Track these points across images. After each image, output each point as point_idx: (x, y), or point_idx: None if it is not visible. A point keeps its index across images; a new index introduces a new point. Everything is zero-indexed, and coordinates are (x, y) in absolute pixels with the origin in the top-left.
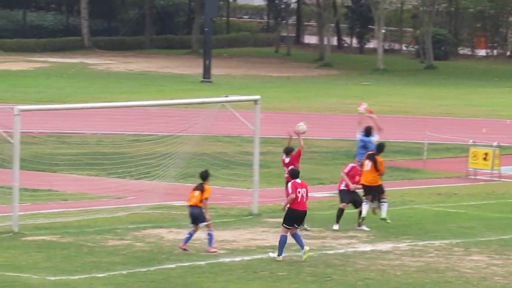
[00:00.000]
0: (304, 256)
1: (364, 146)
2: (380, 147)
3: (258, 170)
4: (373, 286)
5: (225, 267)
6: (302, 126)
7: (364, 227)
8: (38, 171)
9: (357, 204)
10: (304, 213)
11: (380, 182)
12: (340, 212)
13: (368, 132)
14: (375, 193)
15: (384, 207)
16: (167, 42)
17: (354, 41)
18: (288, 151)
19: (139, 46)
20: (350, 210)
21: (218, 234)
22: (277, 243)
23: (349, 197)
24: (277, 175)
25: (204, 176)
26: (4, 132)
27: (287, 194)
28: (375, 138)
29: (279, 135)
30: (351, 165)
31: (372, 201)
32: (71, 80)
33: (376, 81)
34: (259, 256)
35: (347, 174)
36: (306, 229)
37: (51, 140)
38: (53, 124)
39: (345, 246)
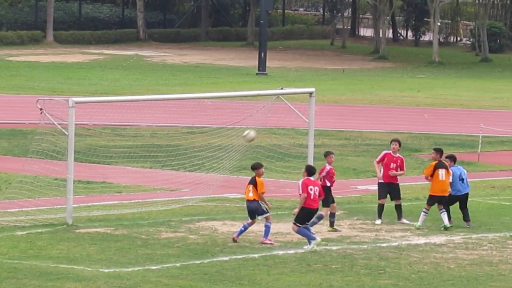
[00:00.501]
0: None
1: None
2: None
3: (313, 163)
4: (426, 279)
5: (279, 260)
6: (250, 134)
7: (404, 220)
8: (93, 163)
9: (392, 196)
10: (316, 211)
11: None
12: (380, 207)
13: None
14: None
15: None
16: (222, 35)
17: (410, 34)
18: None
19: (194, 39)
20: (405, 203)
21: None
22: (331, 236)
23: (386, 190)
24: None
25: (255, 167)
26: (59, 124)
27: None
28: None
29: (334, 127)
30: (384, 152)
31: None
32: (126, 72)
33: (431, 74)
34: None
35: (379, 162)
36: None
37: (106, 132)
38: (108, 116)
39: (399, 239)
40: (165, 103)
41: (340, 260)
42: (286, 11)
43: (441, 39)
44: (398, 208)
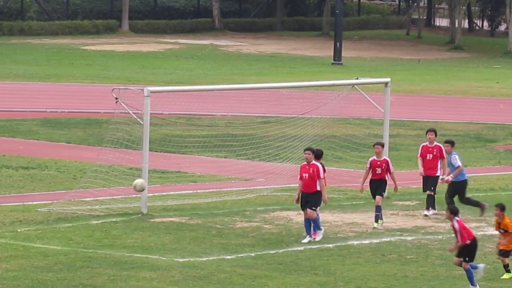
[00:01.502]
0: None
1: None
2: None
3: (388, 153)
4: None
5: (353, 250)
6: (138, 184)
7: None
8: (167, 152)
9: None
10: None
11: None
12: (430, 198)
13: None
14: None
15: None
16: (298, 24)
17: (485, 24)
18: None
19: (270, 28)
20: (479, 194)
21: (347, 217)
22: (406, 226)
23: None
24: (406, 158)
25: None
26: (134, 113)
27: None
28: None
29: (409, 118)
30: (421, 145)
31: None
32: (201, 62)
33: (507, 65)
34: (388, 239)
35: (421, 156)
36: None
37: (180, 122)
38: (183, 106)
39: (473, 230)
40: (240, 93)
41: (415, 251)
42: (361, 0)
43: None
44: (429, 198)
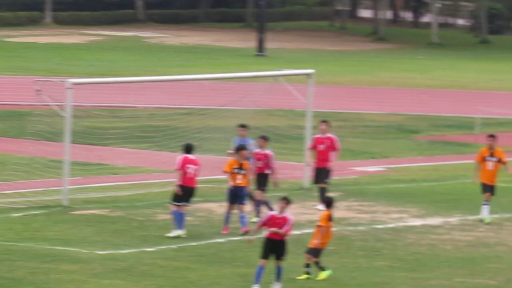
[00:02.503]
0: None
1: None
2: None
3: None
4: (422, 261)
5: None
6: None
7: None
8: (89, 144)
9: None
10: (193, 190)
11: None
12: (322, 190)
13: None
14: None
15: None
16: (222, 16)
17: (409, 15)
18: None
19: (194, 20)
20: (401, 185)
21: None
22: None
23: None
24: None
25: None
26: (56, 105)
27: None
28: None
29: (332, 109)
30: (314, 136)
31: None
32: (124, 54)
33: (430, 55)
34: (309, 231)
35: (312, 149)
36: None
37: (103, 113)
38: (105, 98)
39: (395, 221)
40: (162, 85)
41: (337, 242)
42: None
43: (440, 21)
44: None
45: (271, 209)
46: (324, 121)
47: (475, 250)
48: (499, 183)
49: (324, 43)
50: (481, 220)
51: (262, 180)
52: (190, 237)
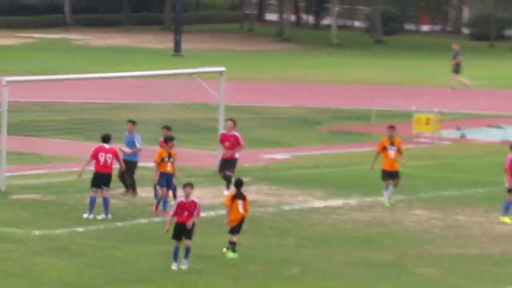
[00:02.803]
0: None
1: None
2: None
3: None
4: (326, 239)
5: None
6: None
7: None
8: (25, 136)
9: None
10: (108, 175)
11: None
12: (228, 178)
13: None
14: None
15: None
16: (142, 19)
17: (311, 18)
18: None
19: (117, 23)
20: (306, 171)
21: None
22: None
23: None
24: None
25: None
26: None
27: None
28: None
29: (242, 103)
30: (221, 132)
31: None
32: (55, 54)
33: (330, 54)
34: (223, 212)
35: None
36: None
37: (36, 108)
38: (39, 94)
39: (301, 203)
40: (90, 82)
41: (249, 222)
42: None
43: (339, 23)
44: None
45: (175, 196)
46: (230, 119)
47: (373, 229)
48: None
49: (235, 44)
50: (384, 204)
51: None
52: (116, 218)
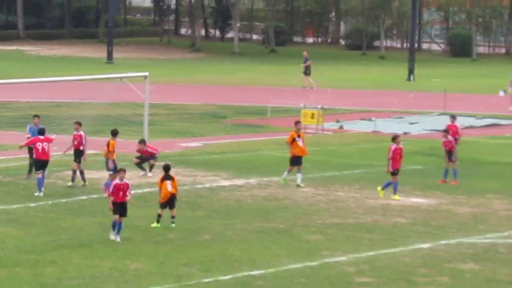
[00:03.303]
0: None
1: None
2: None
3: (147, 127)
4: (231, 211)
5: None
6: None
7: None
8: None
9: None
10: (46, 161)
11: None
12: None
13: None
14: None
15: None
16: (81, 33)
17: (217, 32)
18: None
19: (61, 37)
20: (214, 156)
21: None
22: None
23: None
24: (161, 131)
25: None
26: None
27: None
28: None
29: (164, 101)
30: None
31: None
32: (11, 62)
33: (233, 62)
34: (149, 190)
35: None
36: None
37: None
38: None
39: (211, 182)
40: (39, 84)
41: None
42: (127, 16)
43: (240, 36)
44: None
45: (84, 180)
46: (76, 122)
47: (269, 203)
48: (286, 154)
49: (156, 53)
50: (298, 185)
51: (78, 154)
52: (61, 195)
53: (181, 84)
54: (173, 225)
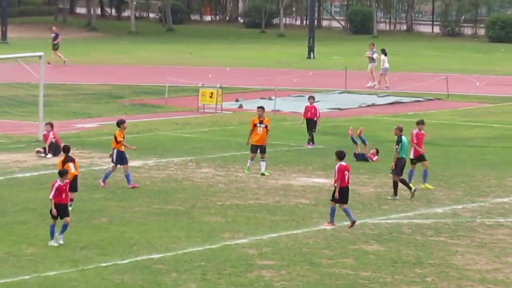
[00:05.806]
0: None
1: None
2: None
3: (43, 108)
4: (129, 192)
5: (18, 181)
6: None
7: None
8: None
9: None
10: None
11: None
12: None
13: None
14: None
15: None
16: None
17: (114, 11)
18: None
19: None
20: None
21: (13, 157)
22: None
23: None
24: (56, 112)
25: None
26: None
27: None
28: None
29: (59, 81)
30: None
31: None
32: None
33: (130, 41)
34: (44, 172)
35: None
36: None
37: None
38: None
39: (107, 164)
40: None
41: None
42: None
43: (137, 15)
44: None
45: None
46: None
47: (168, 184)
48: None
49: (51, 33)
50: (262, 174)
51: None
52: None
53: (76, 64)
54: (71, 208)
